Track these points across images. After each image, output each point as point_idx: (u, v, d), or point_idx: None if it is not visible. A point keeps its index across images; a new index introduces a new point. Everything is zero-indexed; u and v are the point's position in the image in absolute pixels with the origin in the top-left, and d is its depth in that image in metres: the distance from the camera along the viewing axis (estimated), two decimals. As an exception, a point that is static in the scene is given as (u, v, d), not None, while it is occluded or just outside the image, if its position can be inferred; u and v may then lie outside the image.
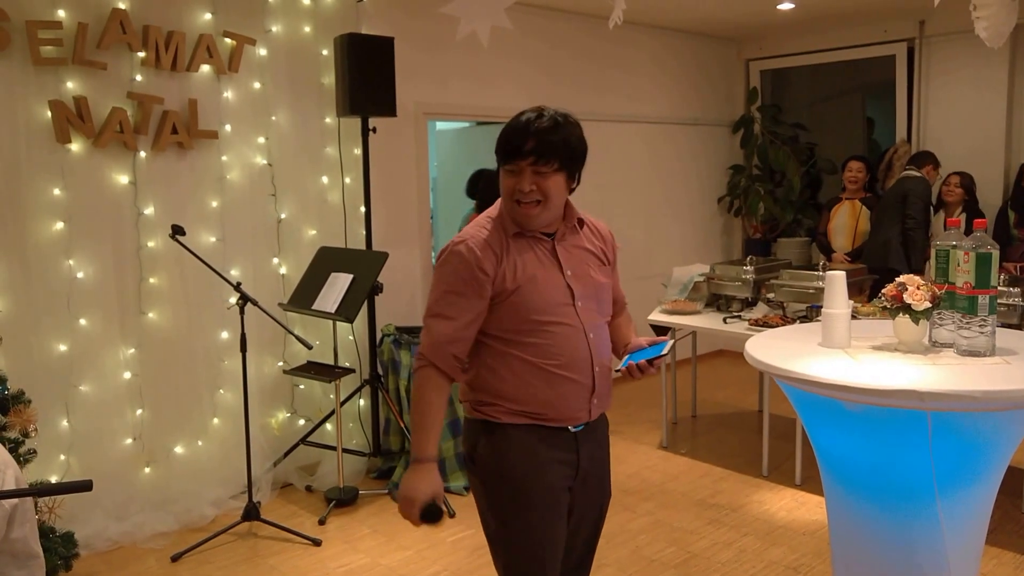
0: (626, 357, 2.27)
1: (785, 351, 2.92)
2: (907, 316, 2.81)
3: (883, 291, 2.90)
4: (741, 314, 5.01)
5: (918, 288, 2.80)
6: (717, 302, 5.27)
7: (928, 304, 2.76)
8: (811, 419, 2.97)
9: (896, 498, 2.64)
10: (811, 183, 7.55)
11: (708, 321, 5.02)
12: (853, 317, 3.09)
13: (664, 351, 2.23)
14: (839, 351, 2.92)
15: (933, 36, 6.51)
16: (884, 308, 2.89)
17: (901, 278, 2.89)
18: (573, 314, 2.18)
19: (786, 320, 4.64)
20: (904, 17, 6.53)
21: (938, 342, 2.81)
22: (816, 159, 7.48)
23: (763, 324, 4.57)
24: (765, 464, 4.80)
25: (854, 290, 4.26)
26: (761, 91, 7.66)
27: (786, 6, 6.15)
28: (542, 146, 2.06)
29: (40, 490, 1.85)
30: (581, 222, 2.28)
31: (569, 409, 2.18)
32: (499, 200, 2.22)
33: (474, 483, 2.27)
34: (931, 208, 5.83)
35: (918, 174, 5.76)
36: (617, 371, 2.28)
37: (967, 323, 2.65)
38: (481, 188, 5.42)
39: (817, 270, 4.79)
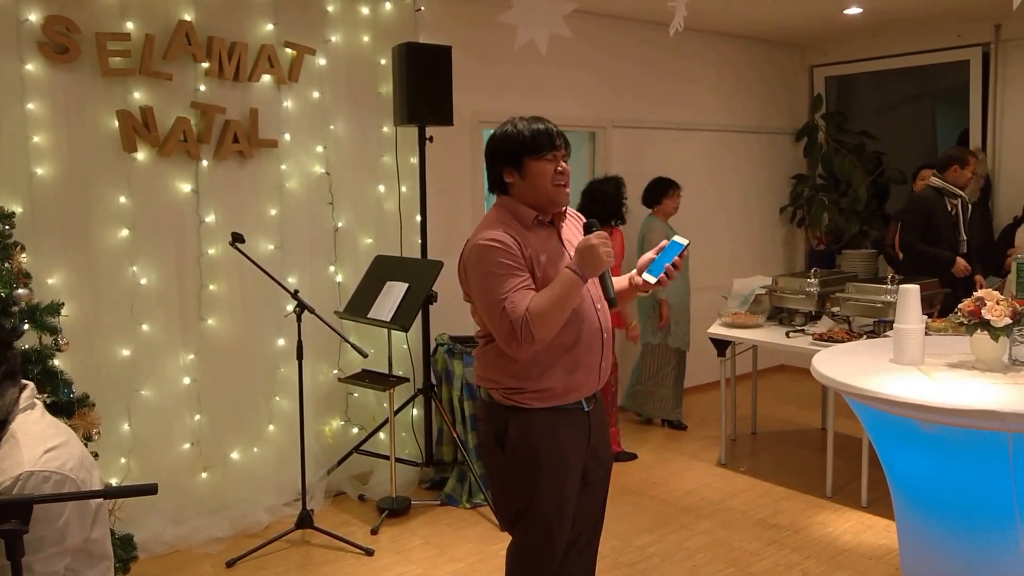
0: (646, 272, 2.49)
1: (855, 367, 2.87)
2: (985, 332, 2.72)
3: (960, 306, 2.81)
4: (804, 328, 4.88)
5: (997, 303, 2.70)
6: (779, 315, 5.13)
7: (1008, 320, 2.66)
8: (882, 439, 2.89)
9: (974, 523, 2.56)
10: (878, 193, 7.34)
11: (770, 335, 4.90)
12: (925, 333, 2.99)
13: (687, 242, 2.48)
14: (912, 368, 2.85)
15: (1010, 40, 6.25)
16: (960, 324, 2.80)
17: (979, 292, 2.78)
18: (586, 291, 2.45)
19: (852, 335, 4.49)
20: (979, 20, 6.29)
21: (1019, 360, 2.69)
22: (884, 168, 7.26)
23: (828, 339, 4.45)
24: (829, 484, 4.64)
25: (925, 304, 4.08)
26: (826, 98, 7.47)
27: (853, 11, 5.97)
28: (564, 140, 2.49)
29: (107, 492, 1.88)
30: (564, 210, 2.59)
31: (586, 380, 2.49)
32: (500, 202, 2.51)
33: (497, 463, 2.53)
34: (929, 219, 5.33)
35: (937, 183, 5.37)
36: (657, 283, 2.48)
37: (1052, 341, 2.53)
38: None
39: (885, 283, 4.63)
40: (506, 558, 2.61)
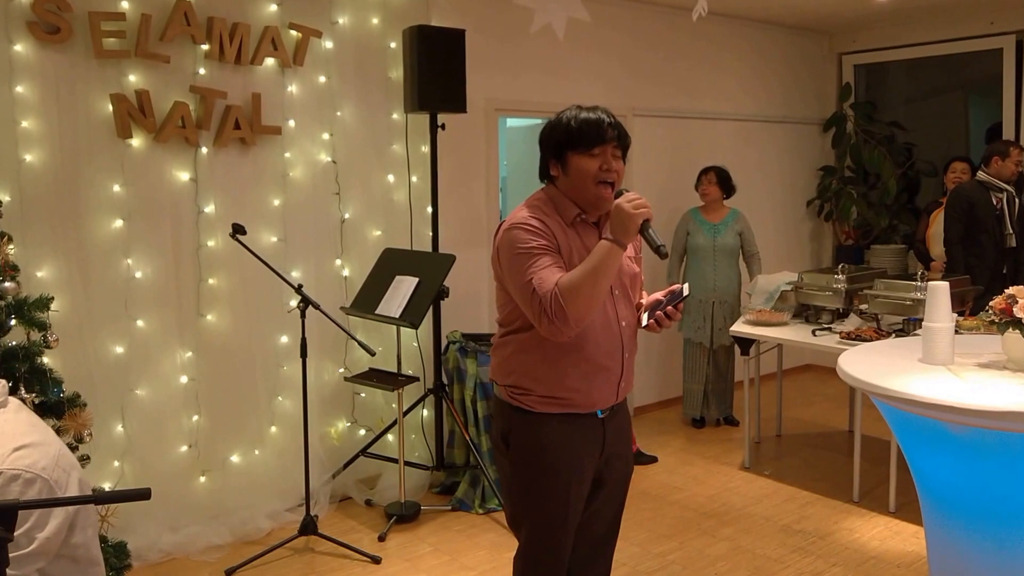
0: (644, 313, 2.40)
1: (882, 367, 2.81)
2: (1017, 331, 2.69)
3: (991, 304, 2.75)
4: (832, 326, 4.75)
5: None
6: (805, 313, 5.01)
7: (1040, 319, 2.56)
8: (910, 442, 2.81)
9: (1005, 530, 2.51)
10: (908, 186, 7.17)
11: (795, 333, 4.76)
12: (955, 331, 2.93)
13: (686, 292, 2.37)
14: (942, 368, 2.79)
15: (1045, 29, 6.08)
16: (992, 322, 2.75)
17: (1011, 290, 2.73)
18: (610, 305, 2.33)
19: (881, 334, 4.37)
20: (1012, 8, 6.13)
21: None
22: (915, 160, 7.08)
23: (856, 337, 4.32)
24: (856, 489, 4.52)
25: (956, 302, 3.98)
26: (855, 87, 7.29)
27: (883, -4, 5.80)
28: (620, 132, 2.32)
29: (98, 497, 1.78)
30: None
31: (599, 395, 2.36)
32: (542, 191, 2.40)
33: (503, 463, 2.46)
34: (971, 211, 5.25)
35: (982, 176, 5.29)
36: (643, 327, 2.41)
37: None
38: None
39: (915, 280, 4.49)
40: (513, 562, 2.52)
